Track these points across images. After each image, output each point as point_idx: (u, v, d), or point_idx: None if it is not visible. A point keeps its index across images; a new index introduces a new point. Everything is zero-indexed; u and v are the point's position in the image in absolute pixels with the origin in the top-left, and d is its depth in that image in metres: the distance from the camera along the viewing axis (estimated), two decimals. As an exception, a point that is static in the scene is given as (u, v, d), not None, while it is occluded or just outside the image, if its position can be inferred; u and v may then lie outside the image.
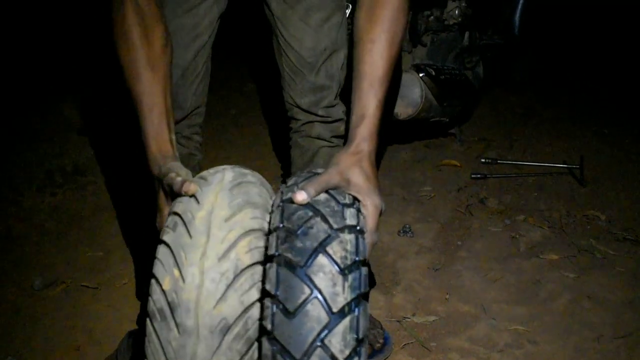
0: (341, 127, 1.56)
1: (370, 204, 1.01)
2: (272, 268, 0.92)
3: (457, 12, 2.64)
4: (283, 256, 0.92)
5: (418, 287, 1.96)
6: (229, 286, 0.90)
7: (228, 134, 3.11)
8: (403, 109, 2.42)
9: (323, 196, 0.99)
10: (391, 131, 2.94)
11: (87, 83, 3.26)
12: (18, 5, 3.67)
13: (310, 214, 0.95)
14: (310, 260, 0.91)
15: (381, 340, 1.65)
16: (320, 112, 1.57)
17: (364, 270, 0.94)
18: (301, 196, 0.97)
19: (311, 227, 0.94)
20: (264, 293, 0.93)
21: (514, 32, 2.99)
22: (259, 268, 0.95)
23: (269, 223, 0.99)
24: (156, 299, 0.91)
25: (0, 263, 2.08)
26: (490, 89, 3.44)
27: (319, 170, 1.06)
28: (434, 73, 2.51)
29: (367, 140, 1.07)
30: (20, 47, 3.54)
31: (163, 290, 0.90)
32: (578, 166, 2.64)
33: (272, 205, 1.03)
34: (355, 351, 0.91)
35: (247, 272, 0.92)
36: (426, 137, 3.04)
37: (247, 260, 0.92)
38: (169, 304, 0.90)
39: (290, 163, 1.69)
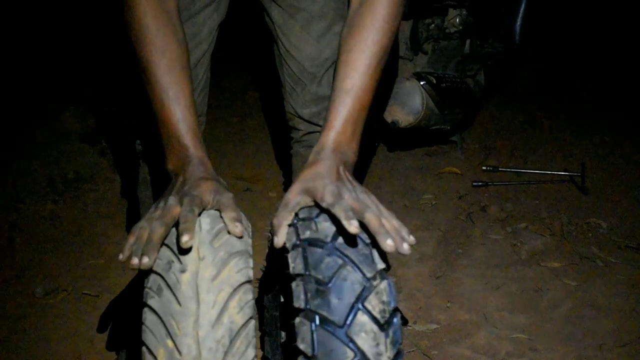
0: None
1: (326, 195, 0.94)
2: (305, 326, 0.87)
3: (458, 20, 2.65)
4: (317, 313, 0.87)
5: (419, 295, 1.95)
6: (226, 353, 0.88)
7: (229, 143, 3.11)
8: (404, 117, 2.42)
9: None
10: (392, 139, 2.95)
11: (86, 89, 3.27)
12: (14, 13, 3.68)
13: (340, 262, 0.90)
14: (349, 319, 0.86)
15: (382, 349, 1.64)
16: (322, 123, 1.57)
17: (398, 317, 0.90)
18: (275, 242, 0.95)
19: (345, 279, 0.88)
20: (296, 350, 0.88)
21: (515, 40, 2.99)
22: (252, 323, 0.92)
23: (288, 267, 0.93)
24: None
25: (1, 270, 2.08)
26: (492, 96, 3.45)
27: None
28: (435, 81, 2.51)
29: (331, 150, 1.02)
30: (17, 55, 3.55)
31: None
32: (579, 174, 2.64)
33: (286, 241, 0.97)
34: None
35: (242, 333, 0.90)
36: (427, 145, 3.04)
37: (240, 320, 0.90)
38: None
39: (292, 172, 1.68)
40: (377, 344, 0.86)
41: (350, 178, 1.00)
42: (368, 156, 2.91)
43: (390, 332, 0.88)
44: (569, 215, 2.44)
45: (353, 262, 0.90)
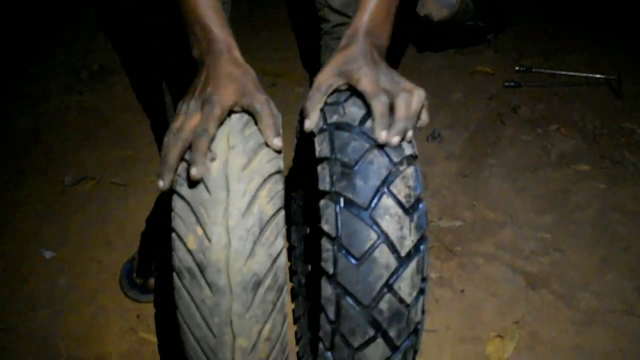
0: None
1: (366, 80, 0.92)
2: (330, 207, 0.87)
3: None
4: (342, 195, 0.87)
5: (445, 192, 1.94)
6: (255, 242, 0.87)
7: (254, 36, 3.03)
8: (437, 11, 2.32)
9: None
10: (423, 36, 2.86)
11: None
12: None
13: (367, 145, 0.89)
14: (374, 202, 0.86)
15: (407, 243, 1.65)
16: (352, 14, 1.51)
17: (424, 205, 0.90)
18: (306, 125, 0.94)
19: (371, 163, 0.88)
20: (319, 231, 0.89)
21: None
22: (282, 214, 0.92)
23: (314, 150, 0.93)
24: (182, 256, 0.89)
25: (31, 160, 2.11)
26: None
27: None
28: (471, -27, 2.40)
29: (364, 33, 0.98)
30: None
31: (189, 250, 0.88)
32: (616, 77, 2.55)
33: (310, 126, 0.96)
34: (421, 291, 0.90)
35: (272, 223, 0.89)
36: (459, 44, 2.94)
37: (269, 210, 0.89)
38: (197, 264, 0.88)
39: (320, 66, 1.63)
40: (401, 228, 0.86)
41: (385, 62, 0.96)
42: (398, 54, 2.83)
43: (415, 217, 0.88)
44: (603, 118, 2.37)
45: (380, 146, 0.89)
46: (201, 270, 0.87)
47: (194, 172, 0.86)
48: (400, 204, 0.87)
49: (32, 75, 2.56)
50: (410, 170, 0.89)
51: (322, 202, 0.89)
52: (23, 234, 1.78)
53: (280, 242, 0.91)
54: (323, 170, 0.90)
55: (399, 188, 0.87)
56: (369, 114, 0.92)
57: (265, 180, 0.89)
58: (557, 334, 1.46)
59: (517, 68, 2.70)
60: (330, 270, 0.87)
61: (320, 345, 0.94)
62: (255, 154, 0.90)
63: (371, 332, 0.88)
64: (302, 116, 0.97)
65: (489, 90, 2.56)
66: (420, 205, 0.89)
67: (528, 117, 2.36)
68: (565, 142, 2.20)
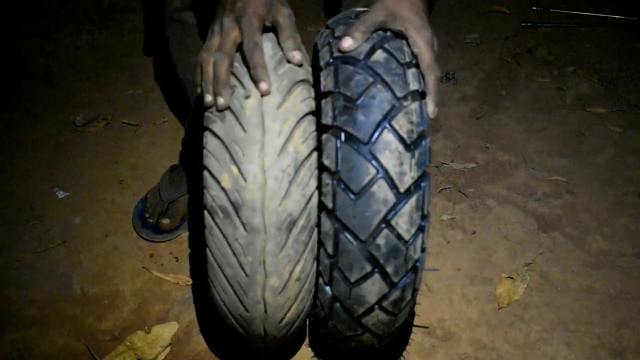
0: None
1: (421, 39, 0.92)
2: (331, 142, 0.87)
3: None
4: (343, 130, 0.86)
5: (458, 134, 1.92)
6: (291, 182, 0.88)
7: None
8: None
9: (382, 56, 0.90)
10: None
11: None
12: None
13: (371, 79, 0.88)
14: (375, 137, 0.86)
15: (419, 184, 1.65)
16: None
17: (428, 141, 0.89)
18: (347, 43, 0.91)
19: (373, 97, 0.87)
20: (321, 166, 0.89)
21: None
22: (315, 155, 0.92)
23: (320, 85, 0.93)
24: (215, 195, 0.89)
25: (41, 100, 2.09)
26: None
27: (363, 10, 0.97)
28: None
29: None
30: None
31: (223, 188, 0.88)
32: (636, 18, 2.48)
33: (319, 60, 0.95)
34: (420, 228, 0.89)
35: (306, 164, 0.89)
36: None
37: (304, 151, 0.89)
38: (231, 203, 0.87)
39: (338, 4, 1.58)
40: (402, 163, 0.86)
41: (420, 8, 0.95)
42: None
43: (417, 153, 0.87)
44: (621, 61, 2.32)
45: (384, 80, 0.88)
46: (235, 209, 0.88)
47: (263, 87, 0.87)
48: (401, 139, 0.87)
49: (41, 13, 2.52)
50: (414, 106, 0.88)
51: (323, 137, 0.89)
52: (36, 174, 1.78)
53: (314, 183, 0.91)
54: (326, 105, 0.89)
55: (401, 123, 0.87)
56: (374, 49, 0.91)
57: (299, 120, 0.89)
58: (567, 276, 1.47)
59: (534, 7, 2.63)
60: (330, 205, 0.88)
61: (320, 280, 0.95)
62: (289, 93, 0.90)
63: (368, 268, 0.89)
64: (338, 36, 0.95)
65: (505, 31, 2.50)
66: (424, 142, 0.89)
67: (544, 58, 2.32)
68: (581, 84, 2.16)
